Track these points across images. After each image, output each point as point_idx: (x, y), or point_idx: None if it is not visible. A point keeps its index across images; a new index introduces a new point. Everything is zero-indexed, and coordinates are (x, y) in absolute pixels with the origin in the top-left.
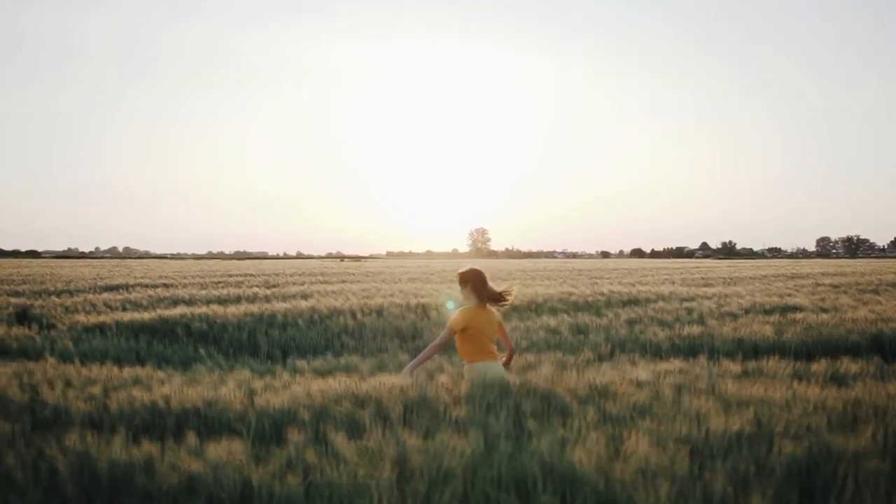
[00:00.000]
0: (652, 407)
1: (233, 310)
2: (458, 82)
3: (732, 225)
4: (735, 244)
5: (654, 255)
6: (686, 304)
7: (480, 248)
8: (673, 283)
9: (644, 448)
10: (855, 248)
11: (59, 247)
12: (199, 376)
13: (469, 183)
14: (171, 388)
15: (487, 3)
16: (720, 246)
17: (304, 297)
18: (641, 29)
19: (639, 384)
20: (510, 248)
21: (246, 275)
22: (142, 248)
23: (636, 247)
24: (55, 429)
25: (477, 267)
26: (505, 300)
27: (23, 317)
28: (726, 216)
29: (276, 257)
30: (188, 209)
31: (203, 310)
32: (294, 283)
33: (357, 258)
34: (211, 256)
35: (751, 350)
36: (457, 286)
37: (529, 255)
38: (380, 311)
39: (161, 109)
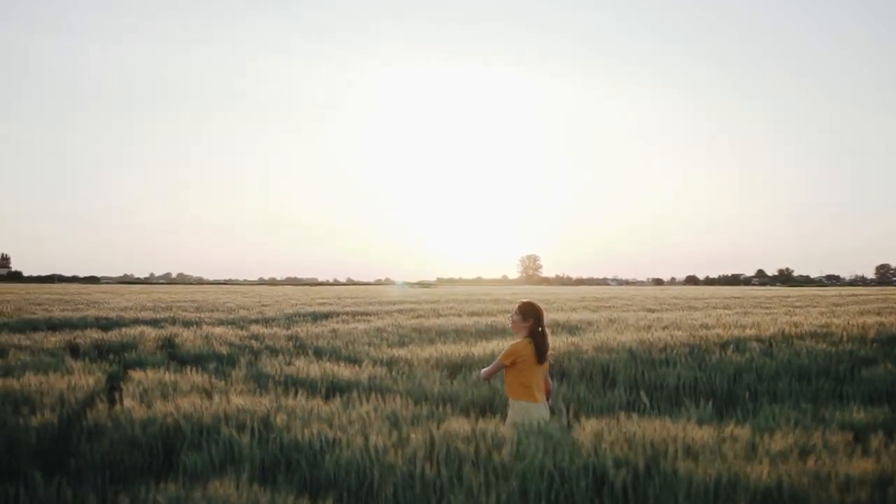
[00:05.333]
0: None
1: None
2: (503, 108)
3: (787, 251)
4: (792, 271)
5: (709, 282)
6: None
7: (531, 275)
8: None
9: None
10: None
11: (113, 273)
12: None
13: (517, 209)
14: None
15: (530, 29)
16: (776, 273)
17: (577, 330)
18: (683, 50)
19: None
20: (561, 276)
21: (403, 302)
22: (195, 274)
23: (688, 274)
24: None
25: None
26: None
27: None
28: (781, 242)
29: (327, 283)
30: (234, 236)
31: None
32: (498, 312)
33: (425, 284)
34: (262, 283)
35: None
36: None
37: (581, 282)
38: (726, 345)
39: (205, 137)
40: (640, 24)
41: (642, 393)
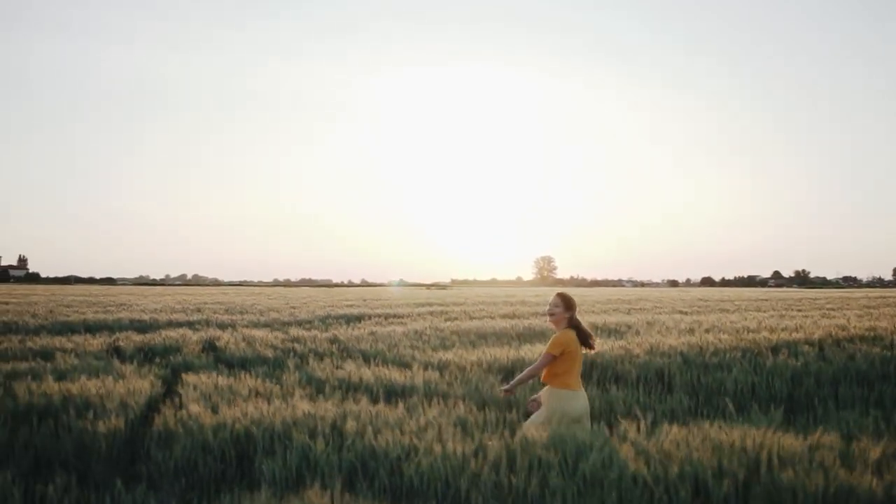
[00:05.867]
0: None
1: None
2: (508, 108)
3: (802, 253)
4: (808, 273)
5: (725, 283)
6: None
7: (546, 276)
8: None
9: None
10: None
11: (127, 274)
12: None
13: (528, 210)
14: None
15: (537, 30)
16: (793, 274)
17: (618, 333)
18: (693, 50)
19: None
20: (575, 277)
21: (431, 304)
22: (209, 275)
23: (703, 275)
24: None
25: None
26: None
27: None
28: (796, 243)
29: (343, 284)
30: (246, 238)
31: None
32: (531, 315)
33: (440, 286)
34: (278, 284)
35: None
36: None
37: (596, 283)
38: (776, 349)
39: (216, 139)
40: (641, 24)
41: (727, 400)
